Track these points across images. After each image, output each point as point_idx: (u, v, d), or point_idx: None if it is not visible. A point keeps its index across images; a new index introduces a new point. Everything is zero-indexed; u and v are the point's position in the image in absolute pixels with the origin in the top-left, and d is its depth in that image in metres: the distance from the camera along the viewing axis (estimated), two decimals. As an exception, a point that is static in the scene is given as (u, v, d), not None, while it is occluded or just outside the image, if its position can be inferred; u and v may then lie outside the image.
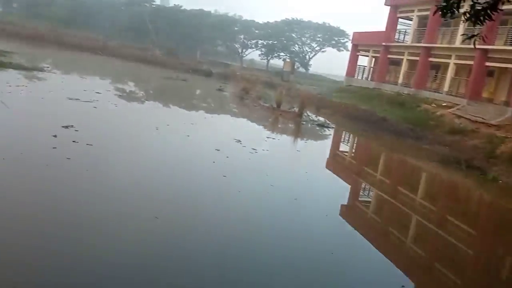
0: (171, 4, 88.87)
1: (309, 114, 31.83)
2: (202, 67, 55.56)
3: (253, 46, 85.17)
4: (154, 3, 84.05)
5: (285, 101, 32.34)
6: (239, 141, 18.29)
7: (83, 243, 7.41)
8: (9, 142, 12.38)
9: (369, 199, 15.17)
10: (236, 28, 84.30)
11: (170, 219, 9.25)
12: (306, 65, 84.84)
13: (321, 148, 23.57)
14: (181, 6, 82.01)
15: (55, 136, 13.52)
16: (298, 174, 15.32)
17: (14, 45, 41.78)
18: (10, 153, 11.33)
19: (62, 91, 22.07)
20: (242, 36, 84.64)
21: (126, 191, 10.43)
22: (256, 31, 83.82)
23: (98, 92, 23.51)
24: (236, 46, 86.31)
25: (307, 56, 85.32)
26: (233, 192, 12.00)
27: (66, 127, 14.77)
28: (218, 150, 15.99)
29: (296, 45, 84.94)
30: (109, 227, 8.28)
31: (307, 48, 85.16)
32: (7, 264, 6.39)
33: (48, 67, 30.84)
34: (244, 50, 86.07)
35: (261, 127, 25.58)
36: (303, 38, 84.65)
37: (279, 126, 27.22)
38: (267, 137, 20.74)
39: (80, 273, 6.55)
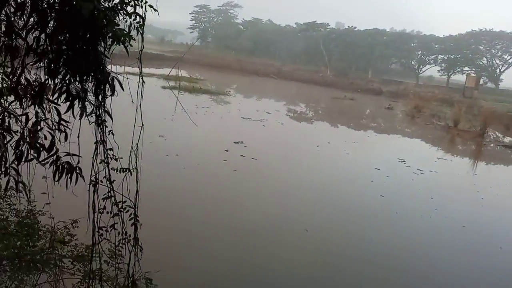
0: (345, 26, 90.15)
1: (496, 134, 27.76)
2: (372, 86, 54.47)
3: (431, 62, 79.21)
4: (328, 27, 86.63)
5: (465, 119, 29.00)
6: (403, 160, 17.27)
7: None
8: (190, 154, 14.44)
9: None
10: (413, 45, 79.99)
11: (315, 231, 9.40)
12: (496, 80, 74.47)
13: (508, 174, 20.22)
14: (354, 27, 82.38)
15: (226, 150, 15.24)
16: (470, 199, 13.56)
17: (206, 73, 48.75)
18: (190, 163, 13.24)
19: (238, 112, 24.67)
20: (419, 52, 79.77)
21: (276, 204, 11.01)
22: (436, 46, 77.76)
23: (268, 112, 25.46)
24: (412, 63, 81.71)
25: (498, 70, 74.85)
26: (390, 213, 11.39)
27: (237, 142, 16.48)
28: (378, 169, 15.45)
29: (484, 58, 75.50)
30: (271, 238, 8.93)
31: (497, 61, 74.79)
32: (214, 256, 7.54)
33: (230, 91, 34.92)
34: (420, 67, 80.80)
35: (432, 147, 23.53)
36: (492, 50, 74.68)
37: (455, 146, 24.54)
38: (438, 158, 18.98)
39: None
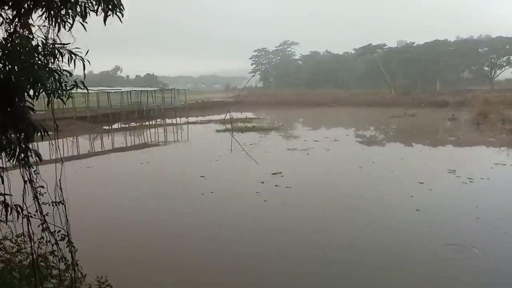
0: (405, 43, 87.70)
1: None
2: (436, 98, 51.79)
3: (504, 63, 73.41)
4: (385, 47, 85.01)
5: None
6: (453, 171, 16.21)
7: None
8: (226, 190, 14.94)
9: None
10: (480, 50, 75.12)
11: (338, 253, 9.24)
12: None
13: None
14: (413, 43, 79.88)
15: (262, 182, 15.55)
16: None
17: (264, 111, 50.18)
18: (222, 199, 13.73)
19: (285, 144, 25.01)
20: (492, 56, 74.51)
21: (302, 229, 10.98)
22: (507, 47, 72.28)
23: (316, 140, 25.43)
24: (486, 68, 76.40)
25: None
26: (424, 226, 10.75)
27: (275, 173, 16.73)
28: (421, 183, 14.69)
29: None
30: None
31: None
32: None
33: (281, 125, 35.48)
34: (494, 71, 75.12)
35: (491, 152, 21.68)
36: None
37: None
38: (495, 164, 17.44)
39: None
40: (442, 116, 37.49)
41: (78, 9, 4.34)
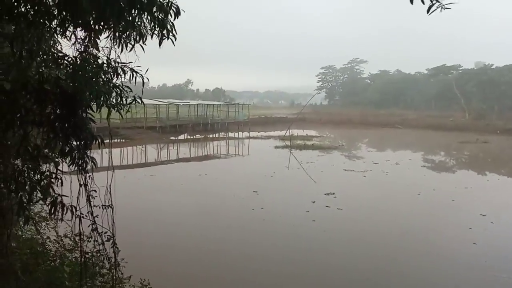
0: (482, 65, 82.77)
1: None
2: (514, 125, 48.05)
3: None
4: (460, 68, 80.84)
5: None
6: (521, 204, 15.10)
7: None
8: (277, 207, 15.11)
9: None
10: None
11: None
12: None
13: None
14: (492, 65, 75.14)
15: (313, 202, 15.55)
16: None
17: (326, 130, 49.80)
18: (272, 216, 13.91)
19: (343, 164, 24.68)
20: None
21: (342, 253, 10.86)
22: None
23: (375, 163, 24.81)
24: None
25: None
26: (480, 262, 10.16)
27: (328, 194, 16.64)
28: (483, 215, 13.86)
29: None
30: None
31: None
32: None
33: (342, 145, 35.00)
34: None
35: None
36: None
37: None
38: None
39: None
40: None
41: (135, 32, 4.87)
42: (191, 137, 43.19)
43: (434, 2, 3.47)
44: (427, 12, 3.54)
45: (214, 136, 44.84)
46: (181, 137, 43.43)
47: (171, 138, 41.51)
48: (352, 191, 17.94)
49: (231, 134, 47.04)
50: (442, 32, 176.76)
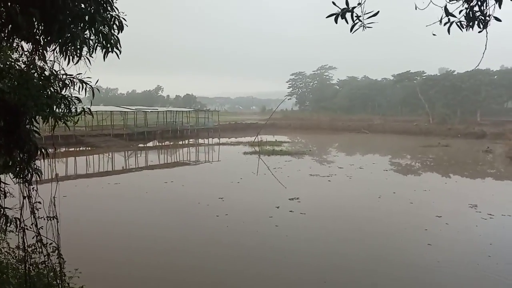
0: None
1: None
2: (474, 129, 50.08)
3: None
4: (424, 74, 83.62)
5: None
6: (474, 206, 15.83)
7: None
8: (241, 213, 15.24)
9: None
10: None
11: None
12: None
13: None
14: (453, 71, 78.11)
15: (277, 207, 15.80)
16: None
17: (296, 135, 50.47)
18: (235, 222, 14.04)
19: (309, 169, 25.08)
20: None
21: (308, 255, 11.12)
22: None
23: (340, 167, 25.39)
24: (534, 98, 73.36)
25: None
26: (431, 262, 10.61)
27: (292, 199, 16.94)
28: (439, 216, 14.48)
29: None
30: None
31: None
32: None
33: (309, 150, 35.56)
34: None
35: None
36: None
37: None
38: (524, 200, 16.85)
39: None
40: (476, 148, 36.32)
41: (80, 46, 4.93)
42: (160, 144, 42.84)
43: (356, 21, 3.76)
44: (350, 31, 3.82)
45: (183, 142, 44.62)
46: (150, 144, 43.00)
47: (139, 145, 41.05)
48: (316, 196, 18.33)
49: (201, 141, 46.95)
50: (409, 38, 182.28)
